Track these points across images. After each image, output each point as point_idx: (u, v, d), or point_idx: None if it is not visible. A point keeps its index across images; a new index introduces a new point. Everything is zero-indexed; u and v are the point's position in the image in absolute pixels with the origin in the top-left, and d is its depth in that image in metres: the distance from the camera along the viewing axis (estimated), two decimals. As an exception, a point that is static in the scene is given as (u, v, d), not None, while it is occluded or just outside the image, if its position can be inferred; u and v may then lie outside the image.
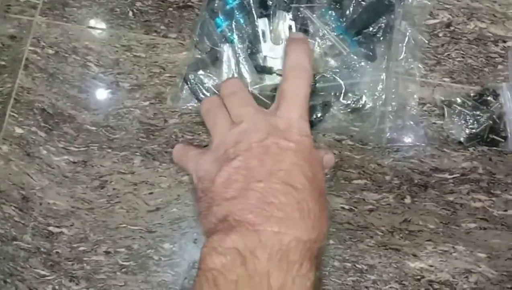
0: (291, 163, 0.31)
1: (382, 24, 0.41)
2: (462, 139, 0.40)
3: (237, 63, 0.41)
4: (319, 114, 0.40)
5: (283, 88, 0.34)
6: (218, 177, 0.31)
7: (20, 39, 0.45)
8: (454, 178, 0.40)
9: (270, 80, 0.41)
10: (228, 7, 0.41)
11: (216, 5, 0.42)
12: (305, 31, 0.41)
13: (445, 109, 0.40)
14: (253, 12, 0.41)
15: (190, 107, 0.42)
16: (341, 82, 0.41)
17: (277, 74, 0.40)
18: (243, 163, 0.31)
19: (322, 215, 0.30)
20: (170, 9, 0.45)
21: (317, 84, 0.40)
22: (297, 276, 0.27)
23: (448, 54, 0.43)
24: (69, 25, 0.45)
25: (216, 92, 0.41)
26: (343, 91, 0.41)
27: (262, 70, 0.41)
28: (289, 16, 0.41)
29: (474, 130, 0.40)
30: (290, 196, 0.29)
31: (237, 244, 0.28)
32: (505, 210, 0.40)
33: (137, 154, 0.42)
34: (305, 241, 0.29)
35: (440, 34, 0.43)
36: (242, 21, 0.41)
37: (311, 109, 0.40)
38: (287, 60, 0.35)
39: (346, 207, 0.40)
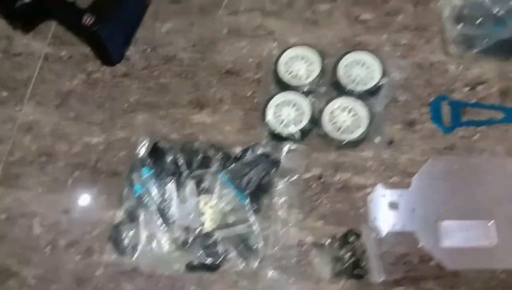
0: None
1: (266, 183, 0.53)
2: (331, 276, 0.49)
3: (152, 222, 0.51)
4: (216, 260, 0.50)
5: None
6: None
7: (-21, 207, 0.56)
8: (331, 309, 0.49)
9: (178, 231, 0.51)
10: (144, 177, 0.53)
11: (134, 175, 0.53)
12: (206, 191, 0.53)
13: (316, 250, 0.50)
14: (164, 180, 0.53)
15: (113, 259, 0.51)
16: (236, 232, 0.51)
17: None
18: None
19: None
20: (102, 176, 0.56)
21: (216, 235, 0.51)
22: None
23: (321, 202, 0.54)
24: (21, 193, 0.56)
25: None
26: (238, 239, 0.51)
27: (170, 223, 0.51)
28: (192, 181, 0.53)
29: (341, 268, 0.49)
30: None
31: None
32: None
33: (69, 302, 0.50)
34: None
35: (314, 185, 0.54)
36: (155, 187, 0.53)
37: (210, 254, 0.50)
38: None
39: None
